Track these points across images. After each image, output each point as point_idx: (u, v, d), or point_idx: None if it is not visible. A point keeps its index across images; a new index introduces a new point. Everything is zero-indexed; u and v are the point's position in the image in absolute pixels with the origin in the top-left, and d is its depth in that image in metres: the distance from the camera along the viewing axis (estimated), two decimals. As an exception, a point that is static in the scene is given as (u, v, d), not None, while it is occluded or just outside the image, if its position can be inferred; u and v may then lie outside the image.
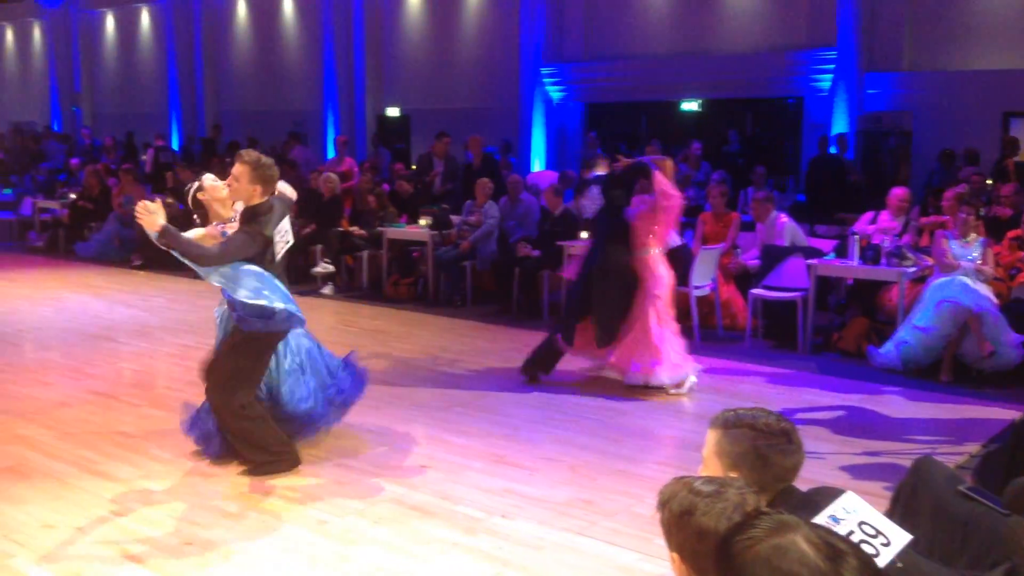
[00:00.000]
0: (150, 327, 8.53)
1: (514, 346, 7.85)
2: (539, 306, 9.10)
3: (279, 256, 4.78)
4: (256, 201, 4.62)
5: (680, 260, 7.29)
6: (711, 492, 1.80)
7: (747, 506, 1.78)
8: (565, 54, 15.30)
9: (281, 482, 4.73)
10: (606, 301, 6.40)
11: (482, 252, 9.71)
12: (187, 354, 7.48)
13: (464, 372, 7.00)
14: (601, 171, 6.89)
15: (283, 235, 4.76)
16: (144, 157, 16.40)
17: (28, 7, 23.50)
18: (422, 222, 10.28)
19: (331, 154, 16.29)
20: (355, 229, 10.62)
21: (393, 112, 17.57)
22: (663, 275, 6.36)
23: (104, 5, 22.36)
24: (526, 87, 15.45)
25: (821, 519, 1.99)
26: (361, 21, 17.39)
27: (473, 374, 6.95)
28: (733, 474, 2.16)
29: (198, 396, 6.21)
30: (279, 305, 4.62)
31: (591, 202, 6.68)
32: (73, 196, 13.69)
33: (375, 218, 10.61)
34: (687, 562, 1.78)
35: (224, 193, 4.92)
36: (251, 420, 4.80)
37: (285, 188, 5.05)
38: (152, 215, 4.35)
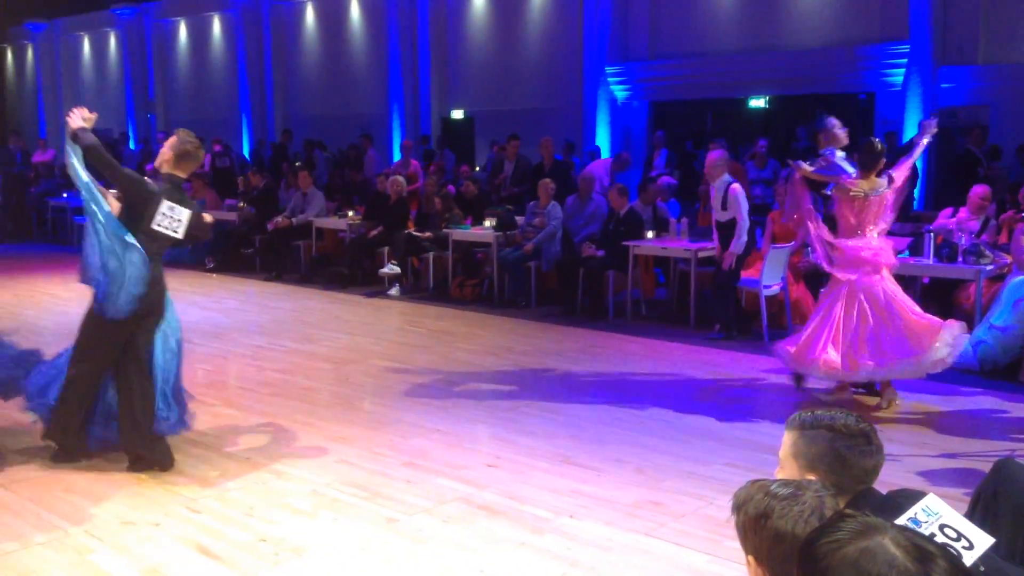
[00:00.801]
0: (223, 328, 8.72)
1: (578, 346, 7.85)
2: (604, 306, 9.07)
3: (156, 226, 4.81)
4: (165, 169, 4.94)
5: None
6: (788, 495, 1.78)
7: (825, 509, 1.76)
8: (630, 53, 15.21)
9: (353, 481, 4.79)
10: None
11: (546, 253, 9.71)
12: (259, 354, 7.65)
13: (529, 373, 7.01)
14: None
15: (173, 216, 4.85)
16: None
17: (104, 17, 24.23)
18: (487, 223, 10.33)
19: (397, 157, 16.45)
20: (424, 235, 10.72)
21: (458, 114, 17.67)
22: None
23: (177, 14, 22.94)
24: (590, 87, 15.40)
25: (902, 521, 1.95)
26: (426, 24, 17.54)
27: (538, 375, 6.95)
28: (810, 476, 2.12)
29: (270, 396, 6.37)
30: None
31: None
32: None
33: (440, 220, 10.70)
34: (763, 565, 1.76)
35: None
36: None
37: (208, 216, 5.25)
38: (81, 118, 4.79)
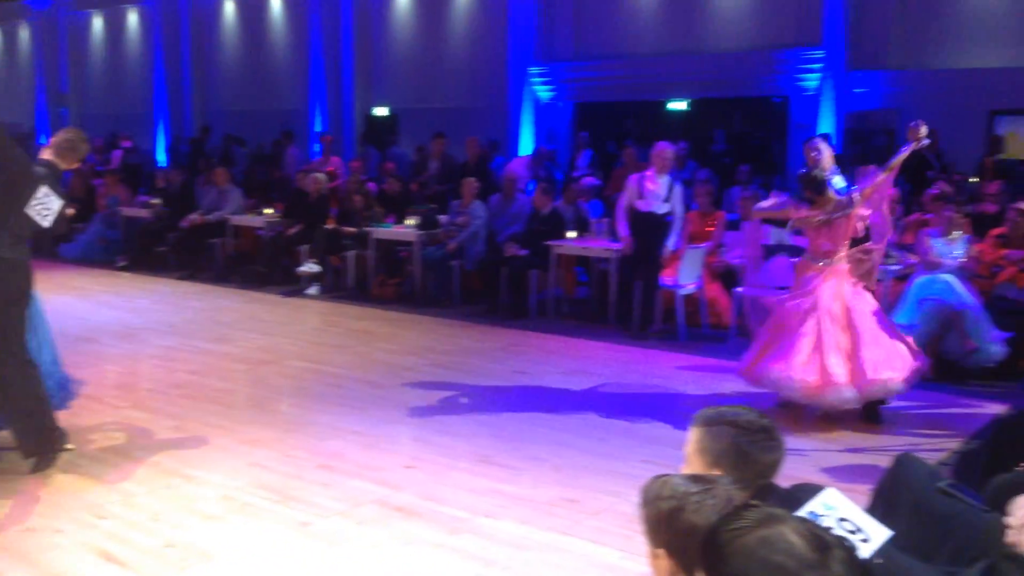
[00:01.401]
0: (133, 328, 8.48)
1: (500, 345, 7.86)
2: (526, 305, 9.09)
3: (29, 208, 4.66)
4: (47, 155, 4.93)
5: None
6: (701, 489, 1.79)
7: (735, 502, 1.78)
8: (554, 53, 15.28)
9: (266, 485, 4.70)
10: None
11: (469, 252, 9.69)
12: (171, 355, 7.46)
13: (450, 372, 6.98)
14: None
15: (46, 203, 4.72)
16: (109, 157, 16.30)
17: (16, 8, 23.36)
18: (409, 222, 10.26)
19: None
20: (345, 229, 10.57)
21: (381, 111, 17.54)
22: None
23: (92, 6, 22.24)
24: (514, 86, 15.43)
25: (801, 514, 1.99)
26: (349, 19, 17.35)
27: (460, 374, 6.93)
28: (715, 471, 2.16)
29: (181, 398, 6.21)
30: None
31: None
32: (58, 197, 13.60)
33: (362, 218, 10.58)
34: (674, 558, 1.77)
35: None
36: None
37: (45, 165, 4.96)
38: None
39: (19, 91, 24.38)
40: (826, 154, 5.98)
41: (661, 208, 8.00)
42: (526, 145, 15.24)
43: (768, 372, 5.67)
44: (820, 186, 5.64)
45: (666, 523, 1.78)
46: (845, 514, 2.02)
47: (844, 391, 5.42)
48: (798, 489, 2.20)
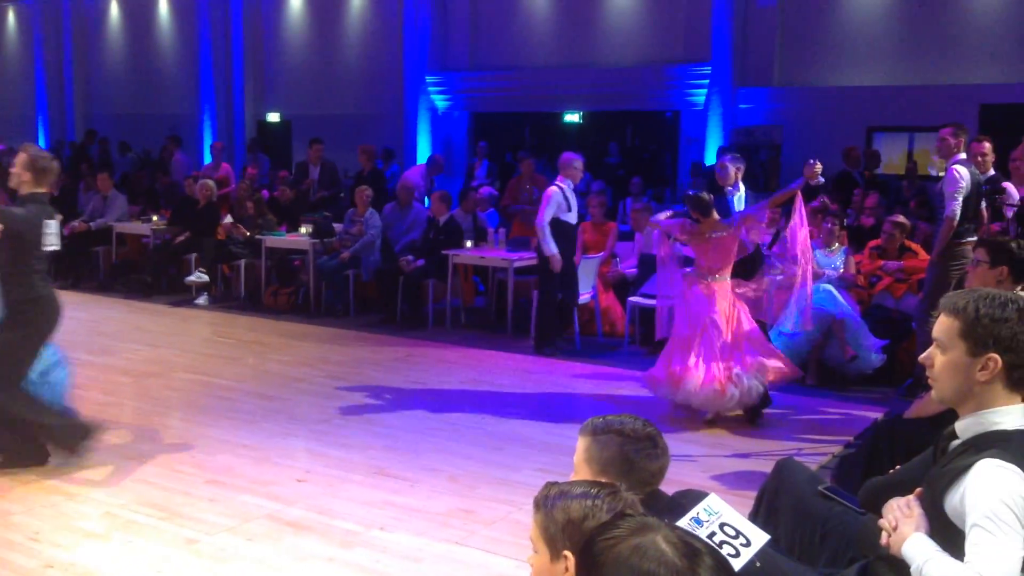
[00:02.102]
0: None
1: (397, 356, 7.81)
2: (423, 315, 9.06)
3: (47, 247, 4.95)
4: (28, 190, 4.91)
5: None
6: (604, 495, 1.79)
7: (635, 507, 1.79)
8: (450, 62, 15.31)
9: (151, 501, 4.55)
10: None
11: (365, 261, 9.60)
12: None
13: (345, 384, 6.89)
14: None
15: (53, 232, 4.96)
16: None
17: None
18: (303, 230, 10.10)
19: (207, 160, 15.82)
20: (239, 229, 10.29)
21: (274, 117, 17.23)
22: None
23: (-36, 1, 21.19)
24: (410, 95, 15.38)
25: (685, 521, 2.05)
26: (240, 24, 16.99)
27: (354, 385, 6.85)
28: (602, 478, 2.19)
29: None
30: None
31: None
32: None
33: (253, 225, 10.36)
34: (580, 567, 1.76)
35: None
36: None
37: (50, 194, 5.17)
38: None
39: None
40: (730, 171, 6.41)
41: (571, 218, 7.89)
42: (423, 153, 15.22)
43: (662, 378, 5.97)
44: (705, 208, 5.95)
45: (570, 531, 1.77)
46: (727, 519, 2.08)
47: (728, 395, 5.74)
48: (682, 495, 2.26)
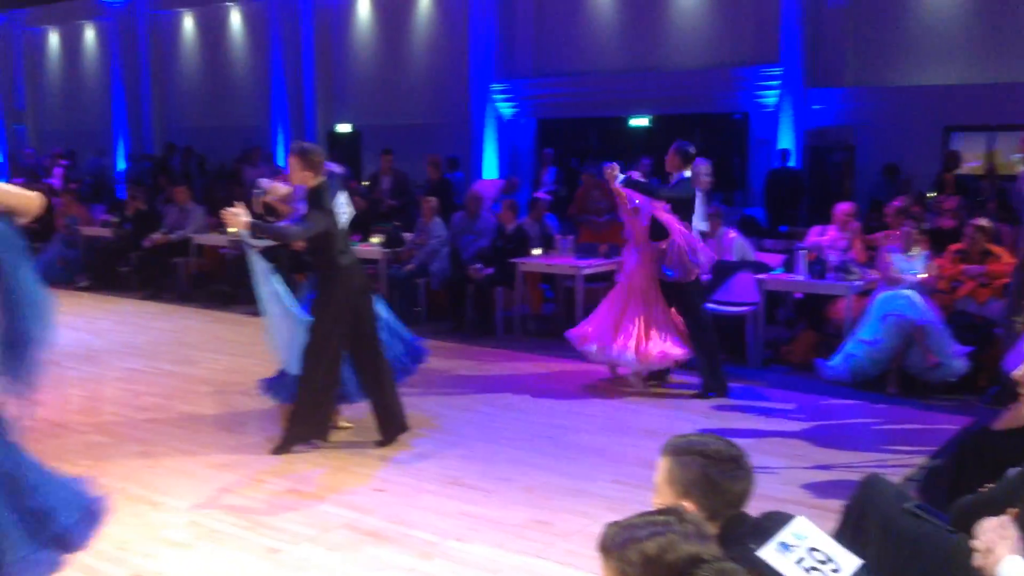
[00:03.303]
0: (95, 350, 8.36)
1: (467, 364, 7.85)
2: (492, 323, 9.09)
3: (343, 224, 5.49)
4: (312, 183, 5.29)
5: None
6: (670, 522, 1.76)
7: (705, 535, 1.77)
8: (516, 70, 15.37)
9: (234, 510, 4.65)
10: None
11: (434, 270, 9.68)
12: (134, 378, 7.36)
13: (417, 392, 6.93)
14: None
15: (341, 207, 5.47)
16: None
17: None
18: (374, 240, 10.23)
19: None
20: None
21: (344, 128, 17.49)
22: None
23: (47, 22, 21.96)
24: (476, 103, 15.48)
25: (771, 546, 2.02)
26: (311, 36, 17.30)
27: (427, 394, 6.90)
28: (684, 501, 2.17)
29: (146, 422, 6.13)
30: None
31: None
32: (16, 216, 13.37)
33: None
34: None
35: (284, 189, 5.63)
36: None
37: (333, 167, 5.66)
38: (238, 216, 5.10)
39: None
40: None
41: (704, 228, 7.56)
42: (489, 161, 15.30)
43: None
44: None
45: (648, 568, 1.74)
46: (815, 544, 2.05)
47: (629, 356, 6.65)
48: (768, 518, 2.22)
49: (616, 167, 6.70)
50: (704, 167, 7.63)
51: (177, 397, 6.78)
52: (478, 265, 9.31)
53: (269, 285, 5.44)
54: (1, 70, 22.76)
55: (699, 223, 7.39)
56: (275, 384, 5.80)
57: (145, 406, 6.56)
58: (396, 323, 6.06)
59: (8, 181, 15.75)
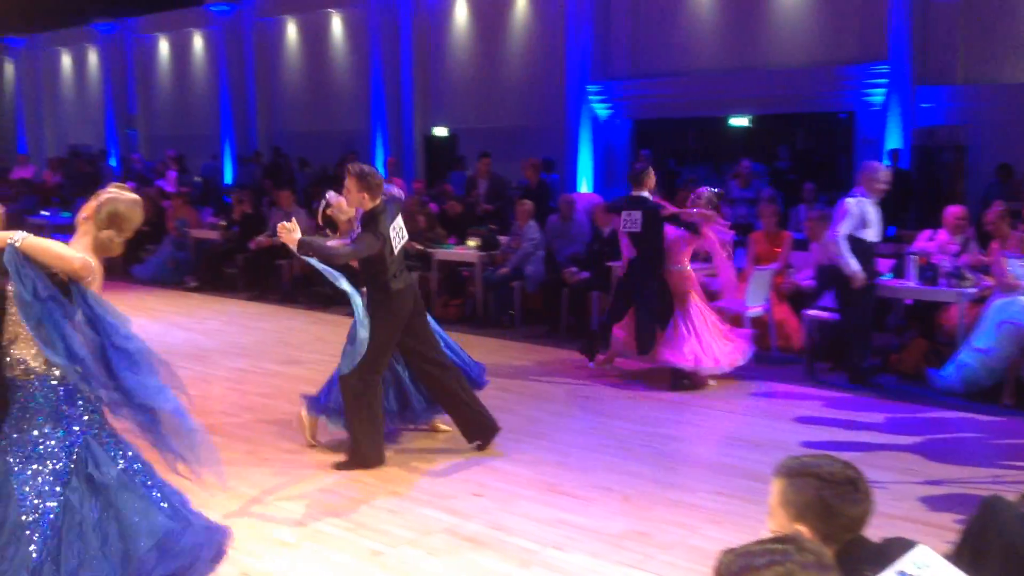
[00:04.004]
0: (206, 350, 8.64)
1: (563, 368, 7.83)
2: (588, 327, 9.05)
3: (396, 250, 5.43)
4: (368, 206, 5.27)
5: None
6: (789, 552, 1.71)
7: (826, 561, 1.71)
8: (612, 71, 15.27)
9: (336, 511, 4.75)
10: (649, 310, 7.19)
11: (529, 273, 9.69)
12: (243, 378, 7.58)
13: (513, 396, 6.97)
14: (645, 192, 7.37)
15: (397, 231, 5.44)
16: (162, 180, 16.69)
17: (84, 32, 24.09)
18: (470, 243, 10.31)
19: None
20: (411, 244, 10.63)
21: (440, 131, 17.68)
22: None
23: (157, 29, 22.84)
24: (572, 104, 15.44)
25: (890, 574, 1.94)
26: (408, 41, 17.54)
27: (522, 398, 6.92)
28: (799, 525, 2.11)
29: (254, 421, 6.31)
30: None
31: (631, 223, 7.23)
32: (129, 219, 13.94)
33: (424, 239, 10.66)
34: None
35: (349, 209, 5.58)
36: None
37: (394, 191, 5.71)
38: (291, 232, 5.07)
39: (89, 113, 25.12)
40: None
41: (876, 237, 7.19)
42: (584, 163, 15.25)
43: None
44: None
45: None
46: (937, 572, 1.96)
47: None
48: (889, 544, 2.14)
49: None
50: (882, 173, 7.24)
51: (282, 397, 6.96)
52: (573, 269, 9.29)
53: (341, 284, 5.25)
54: (114, 77, 23.77)
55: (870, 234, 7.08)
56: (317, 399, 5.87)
57: (252, 406, 6.75)
58: (455, 347, 6.06)
59: (120, 184, 16.43)
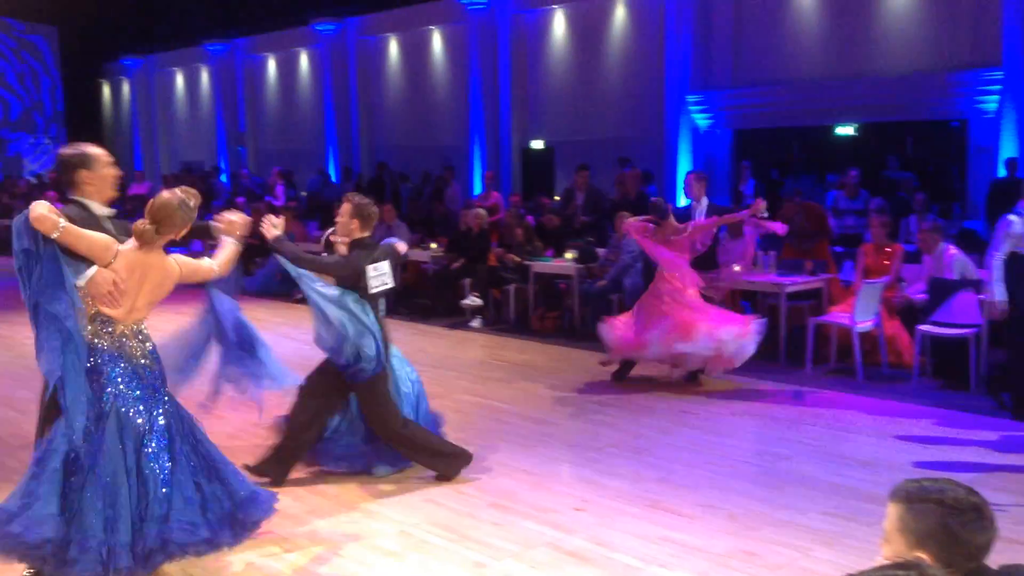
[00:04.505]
0: (312, 360, 8.81)
1: (665, 384, 7.75)
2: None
3: (373, 290, 5.27)
4: (356, 235, 5.30)
5: None
6: None
7: None
8: (712, 80, 15.09)
9: (440, 522, 4.81)
10: None
11: (627, 285, 9.64)
12: (346, 388, 7.73)
13: (613, 410, 6.94)
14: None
15: (380, 273, 5.30)
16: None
17: (197, 53, 25.11)
18: (568, 255, 10.32)
19: (478, 188, 16.59)
20: (510, 256, 10.73)
21: (537, 144, 17.76)
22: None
23: (265, 49, 23.63)
24: (671, 115, 15.31)
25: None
26: (507, 55, 17.70)
27: (622, 412, 6.87)
28: (919, 552, 2.04)
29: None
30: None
31: None
32: (238, 233, 14.42)
33: (522, 251, 10.73)
34: None
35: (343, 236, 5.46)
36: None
37: (399, 244, 5.76)
38: (274, 227, 5.12)
39: (201, 131, 26.14)
40: (695, 188, 8.02)
41: None
42: (683, 174, 15.07)
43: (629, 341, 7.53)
44: (663, 213, 7.44)
45: None
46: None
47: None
48: (1011, 572, 2.06)
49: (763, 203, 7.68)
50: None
51: (385, 408, 7.07)
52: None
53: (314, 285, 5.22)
54: (224, 96, 24.68)
55: None
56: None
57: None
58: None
59: (231, 199, 17.03)
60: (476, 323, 10.58)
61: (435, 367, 8.51)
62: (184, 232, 4.13)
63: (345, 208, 5.34)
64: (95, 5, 25.11)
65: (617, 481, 5.37)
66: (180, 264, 4.12)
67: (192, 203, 4.04)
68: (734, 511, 4.86)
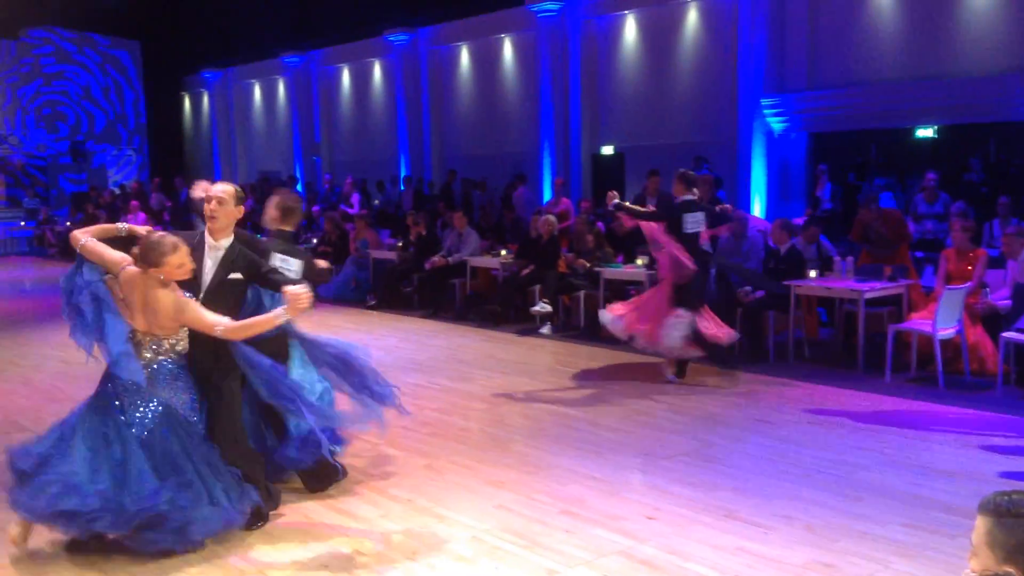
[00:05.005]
0: (384, 366, 8.82)
1: (738, 390, 7.65)
2: (764, 348, 8.80)
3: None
4: (275, 227, 5.55)
5: None
6: None
7: None
8: (787, 83, 14.86)
9: (512, 528, 4.81)
10: None
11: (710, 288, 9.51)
12: (418, 393, 7.81)
13: (685, 418, 6.87)
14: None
15: (286, 265, 5.31)
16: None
17: (274, 65, 25.68)
18: (639, 262, 10.26)
19: (548, 195, 16.60)
20: (580, 262, 10.72)
21: (607, 150, 17.71)
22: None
23: (340, 60, 24.05)
24: (745, 119, 15.11)
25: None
26: (577, 62, 17.69)
27: (695, 420, 6.80)
28: (1008, 567, 1.99)
29: (429, 436, 6.49)
30: None
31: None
32: (315, 241, 14.72)
33: (592, 257, 10.69)
34: None
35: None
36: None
37: (321, 263, 6.17)
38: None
39: (278, 141, 26.72)
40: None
41: None
42: (757, 179, 14.87)
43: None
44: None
45: None
46: None
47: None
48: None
49: (615, 194, 8.13)
50: None
51: (456, 413, 7.14)
52: (747, 288, 9.07)
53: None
54: (301, 106, 25.19)
55: None
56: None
57: (428, 420, 6.95)
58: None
59: (306, 208, 17.34)
60: (546, 330, 10.58)
61: (505, 374, 8.54)
62: (178, 275, 4.48)
63: (272, 199, 5.60)
64: (176, 20, 25.90)
65: (689, 490, 5.31)
66: (181, 305, 4.47)
67: (178, 251, 4.43)
68: (811, 522, 4.76)
